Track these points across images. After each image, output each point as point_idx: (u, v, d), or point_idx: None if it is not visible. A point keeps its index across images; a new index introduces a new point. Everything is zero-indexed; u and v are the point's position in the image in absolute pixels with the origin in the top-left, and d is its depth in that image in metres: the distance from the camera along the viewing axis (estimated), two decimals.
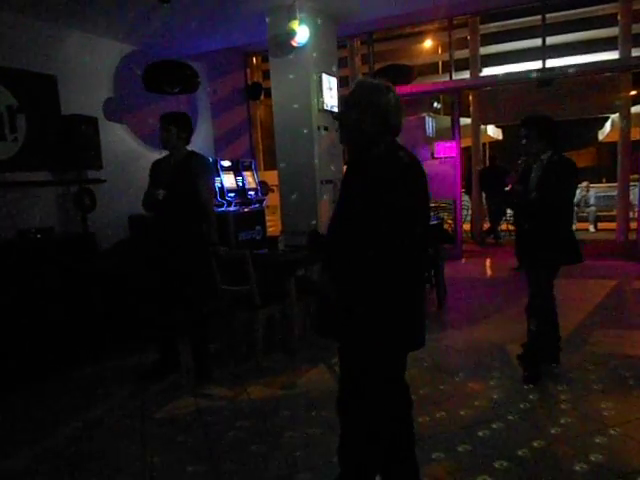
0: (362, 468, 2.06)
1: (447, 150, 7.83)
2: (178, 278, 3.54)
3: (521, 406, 3.01)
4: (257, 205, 6.64)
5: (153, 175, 3.62)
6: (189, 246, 3.52)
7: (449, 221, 8.45)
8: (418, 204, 1.88)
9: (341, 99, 1.76)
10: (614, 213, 8.39)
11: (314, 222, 5.53)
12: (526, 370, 3.39)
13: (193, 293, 3.58)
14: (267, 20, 5.69)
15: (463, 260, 7.73)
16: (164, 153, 3.70)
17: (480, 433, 2.72)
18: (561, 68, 7.08)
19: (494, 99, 8.85)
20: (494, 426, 2.78)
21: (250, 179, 6.82)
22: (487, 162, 10.22)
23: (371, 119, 1.93)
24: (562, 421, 2.81)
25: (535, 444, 2.58)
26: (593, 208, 10.00)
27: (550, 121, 3.31)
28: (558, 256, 3.23)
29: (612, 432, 2.65)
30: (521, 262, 3.56)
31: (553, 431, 2.70)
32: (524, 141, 3.28)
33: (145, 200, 3.57)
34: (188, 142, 3.62)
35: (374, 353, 1.90)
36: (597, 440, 2.59)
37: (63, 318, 4.13)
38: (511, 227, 10.24)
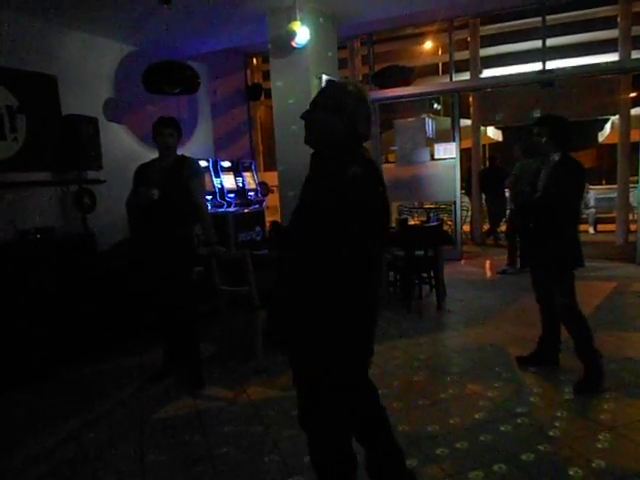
0: (336, 475, 1.98)
1: (447, 151, 7.82)
2: (168, 280, 3.52)
3: (521, 409, 3.01)
4: (257, 206, 6.65)
5: (139, 178, 3.58)
6: (179, 248, 3.51)
7: (449, 222, 8.45)
8: (377, 212, 1.84)
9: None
10: (614, 215, 8.40)
11: None
12: (587, 378, 3.20)
13: (183, 296, 3.56)
14: (267, 21, 5.70)
15: (462, 261, 7.73)
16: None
17: (480, 435, 2.72)
18: (561, 70, 7.09)
19: (494, 101, 8.87)
20: (494, 428, 2.78)
21: (250, 180, 6.84)
22: (487, 163, 10.23)
23: (339, 123, 1.86)
24: (562, 424, 2.81)
25: (535, 447, 2.58)
26: (593, 210, 10.01)
27: (564, 122, 3.28)
28: (559, 259, 3.19)
29: (613, 435, 2.65)
30: (525, 264, 3.54)
31: (553, 434, 2.70)
32: (536, 139, 3.25)
33: (134, 200, 3.51)
34: None
35: (333, 360, 1.82)
36: (598, 443, 2.58)
37: (62, 318, 4.12)
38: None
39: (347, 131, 1.87)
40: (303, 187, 1.97)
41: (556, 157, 3.21)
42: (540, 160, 3.37)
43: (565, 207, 3.18)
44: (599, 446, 2.55)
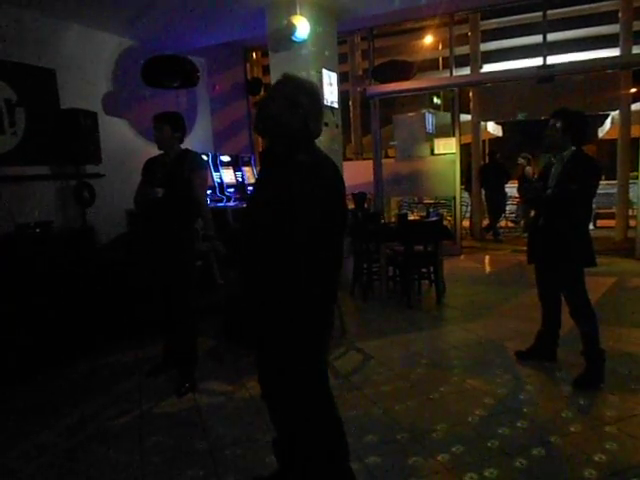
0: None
1: (447, 146, 7.81)
2: (168, 275, 3.52)
3: (520, 404, 3.02)
4: None
5: (146, 173, 3.59)
6: (179, 243, 3.50)
7: (448, 217, 8.45)
8: (333, 209, 1.89)
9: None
10: (613, 210, 8.39)
11: None
12: (588, 374, 3.19)
13: (181, 291, 3.55)
14: (267, 15, 5.67)
15: (462, 256, 7.73)
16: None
17: (479, 430, 2.72)
18: (562, 65, 7.07)
19: (494, 96, 8.84)
20: (494, 424, 2.79)
21: (249, 174, 6.82)
22: (487, 159, 10.21)
23: (290, 117, 1.89)
24: (562, 419, 2.81)
25: (535, 443, 2.58)
26: (592, 205, 9.98)
27: (581, 117, 3.23)
28: (570, 258, 3.15)
29: (612, 430, 2.66)
30: (531, 260, 3.50)
31: (552, 429, 2.71)
32: (550, 131, 3.19)
33: (141, 198, 3.52)
34: (182, 141, 3.61)
35: (297, 355, 1.91)
36: (598, 438, 2.59)
37: (61, 312, 4.12)
38: (510, 224, 10.26)
39: (300, 127, 1.91)
40: (255, 183, 2.06)
41: (570, 152, 3.16)
42: (553, 154, 3.31)
43: (579, 204, 3.15)
44: (599, 441, 2.55)
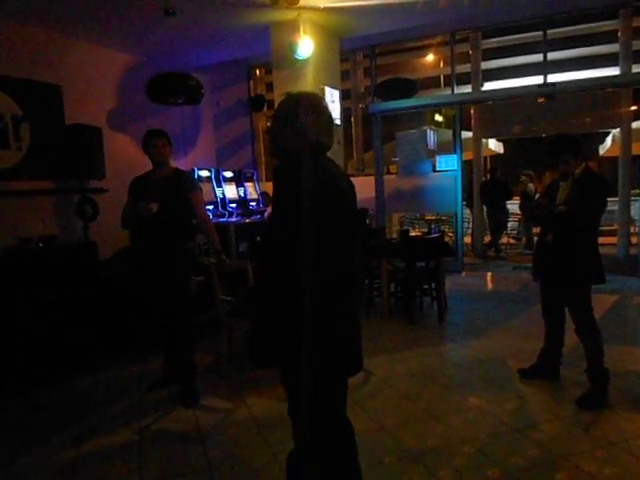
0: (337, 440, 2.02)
1: (448, 163, 7.84)
2: (167, 291, 3.52)
3: (523, 422, 2.99)
4: (258, 216, 6.65)
5: (135, 191, 3.59)
6: (179, 260, 3.50)
7: (450, 234, 8.44)
8: (340, 222, 1.85)
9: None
10: (615, 228, 8.38)
11: None
12: (591, 392, 3.18)
13: (180, 306, 3.54)
14: (271, 33, 5.75)
15: (464, 273, 7.72)
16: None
17: (481, 449, 2.70)
18: (562, 83, 7.13)
19: (495, 113, 8.91)
20: (496, 442, 2.76)
21: (252, 190, 6.86)
22: (488, 175, 10.25)
23: (290, 134, 1.86)
24: (564, 438, 2.79)
25: (538, 461, 2.56)
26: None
27: (577, 138, 3.36)
28: (579, 275, 3.16)
29: (615, 449, 2.63)
30: (537, 277, 3.50)
31: (554, 448, 2.68)
32: (564, 165, 3.23)
33: (133, 214, 3.49)
34: None
35: (321, 376, 1.82)
36: (602, 458, 2.56)
37: (63, 326, 4.12)
38: (512, 241, 10.26)
39: (299, 142, 1.85)
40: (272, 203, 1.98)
41: (581, 170, 3.21)
42: (560, 176, 3.35)
43: (589, 221, 3.18)
44: (604, 461, 2.53)
